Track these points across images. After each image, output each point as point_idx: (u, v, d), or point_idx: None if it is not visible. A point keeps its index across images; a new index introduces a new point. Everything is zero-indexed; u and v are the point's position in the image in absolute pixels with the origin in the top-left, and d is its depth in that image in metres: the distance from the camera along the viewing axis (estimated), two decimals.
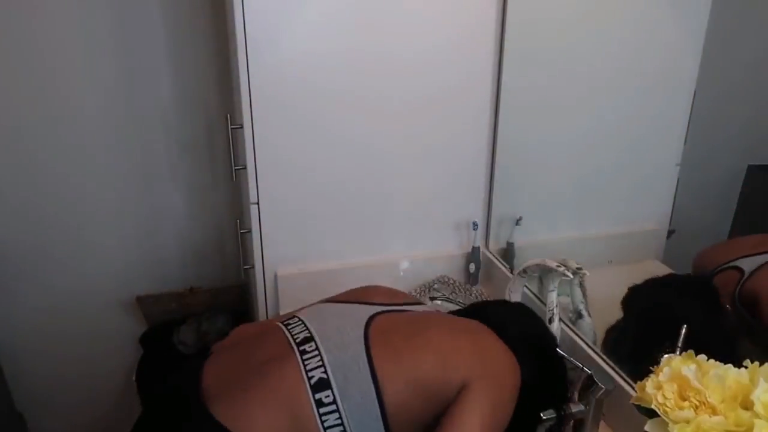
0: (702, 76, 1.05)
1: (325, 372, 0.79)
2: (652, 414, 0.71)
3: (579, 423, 0.96)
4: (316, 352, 0.82)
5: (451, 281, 1.45)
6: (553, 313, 1.11)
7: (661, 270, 1.17)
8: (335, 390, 0.78)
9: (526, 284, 1.26)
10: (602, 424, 0.97)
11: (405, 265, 1.44)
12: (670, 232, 1.15)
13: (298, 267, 1.36)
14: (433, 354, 0.82)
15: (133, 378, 1.70)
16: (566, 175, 1.35)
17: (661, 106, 1.19)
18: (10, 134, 1.51)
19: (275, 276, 1.34)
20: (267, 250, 1.33)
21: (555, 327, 1.11)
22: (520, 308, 1.04)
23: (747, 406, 0.66)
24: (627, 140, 1.24)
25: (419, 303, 1.00)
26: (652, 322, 0.98)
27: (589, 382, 0.92)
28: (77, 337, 1.74)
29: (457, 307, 1.22)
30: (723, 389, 0.67)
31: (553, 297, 1.11)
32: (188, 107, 1.61)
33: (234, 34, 1.17)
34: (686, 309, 0.93)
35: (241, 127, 1.23)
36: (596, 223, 1.34)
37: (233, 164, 1.28)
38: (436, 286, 1.42)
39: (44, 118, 1.52)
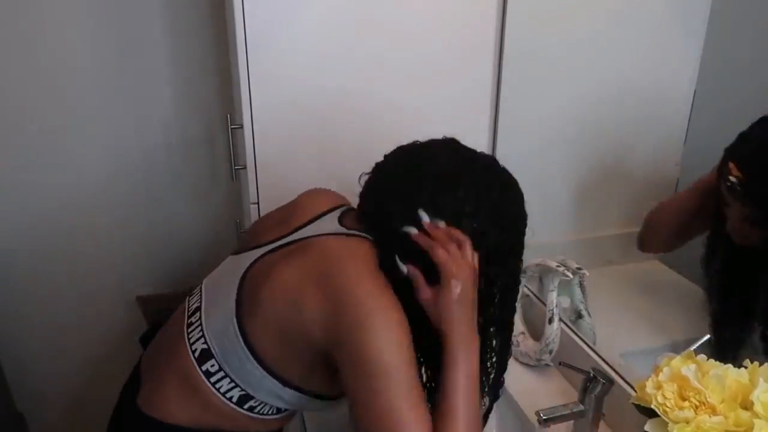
0: (702, 76, 1.05)
1: (206, 342, 0.80)
2: (652, 414, 0.71)
3: (579, 423, 0.96)
4: (199, 323, 0.83)
5: None
6: (553, 313, 1.11)
7: (662, 270, 1.17)
8: (218, 357, 0.79)
9: (526, 284, 1.26)
10: (602, 424, 0.97)
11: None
12: None
13: None
14: (282, 301, 0.75)
15: None
16: (566, 174, 1.35)
17: (661, 106, 1.19)
18: (10, 134, 1.51)
19: None
20: None
21: (555, 327, 1.11)
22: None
23: (747, 406, 0.66)
24: (627, 140, 1.24)
25: (324, 213, 0.88)
26: None
27: (589, 383, 0.92)
28: (77, 336, 1.74)
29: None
30: (723, 389, 0.67)
31: (553, 297, 1.11)
32: (188, 107, 1.61)
33: (234, 34, 1.17)
34: None
35: (241, 127, 1.23)
36: (596, 223, 1.34)
37: (233, 164, 1.28)
38: None
39: (44, 117, 1.52)
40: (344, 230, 0.83)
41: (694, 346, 0.78)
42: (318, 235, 0.82)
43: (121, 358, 1.80)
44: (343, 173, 1.32)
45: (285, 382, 0.79)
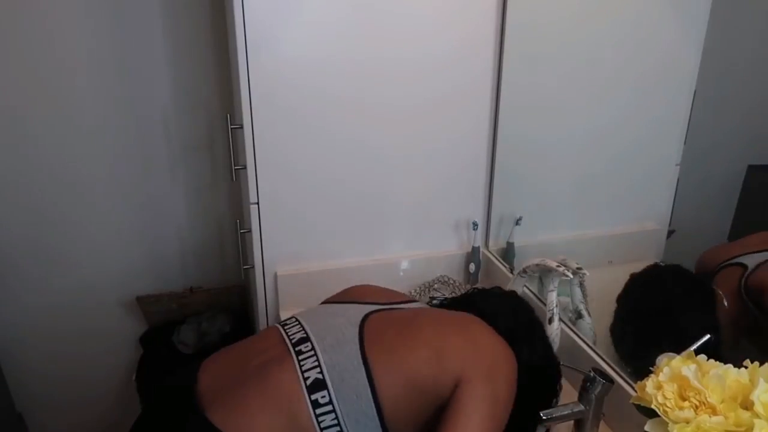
0: (702, 75, 1.05)
1: (321, 372, 0.79)
2: (652, 414, 0.71)
3: (579, 423, 0.96)
4: (312, 353, 0.82)
5: (451, 281, 1.45)
6: (553, 313, 1.11)
7: None
8: (331, 390, 0.78)
9: (526, 284, 1.25)
10: (602, 424, 0.97)
11: (405, 265, 1.44)
12: (670, 232, 1.14)
13: (298, 267, 1.36)
14: (426, 350, 0.82)
15: (133, 378, 1.70)
16: (566, 174, 1.35)
17: (661, 105, 1.19)
18: (10, 134, 1.51)
19: (275, 276, 1.34)
20: (267, 250, 1.33)
21: (555, 327, 1.11)
22: (507, 295, 1.03)
23: (747, 406, 0.66)
24: (627, 140, 1.24)
25: (412, 300, 1.00)
26: (645, 315, 0.99)
27: (589, 383, 0.92)
28: (77, 337, 1.74)
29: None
30: (723, 389, 0.67)
31: (553, 297, 1.11)
32: (188, 107, 1.62)
33: (234, 34, 1.17)
34: (681, 303, 0.94)
35: (241, 127, 1.23)
36: (596, 223, 1.34)
37: (233, 164, 1.28)
38: (436, 286, 1.42)
39: (45, 118, 1.52)
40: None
41: (694, 346, 0.78)
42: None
43: (121, 358, 1.81)
44: (344, 173, 1.33)
45: (385, 429, 0.79)
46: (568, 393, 1.11)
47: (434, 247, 1.46)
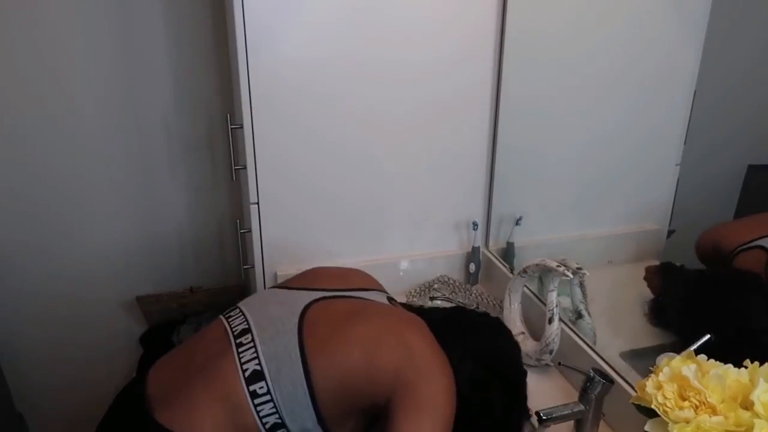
0: (702, 76, 1.05)
1: (259, 364, 0.82)
2: (652, 414, 0.71)
3: (579, 423, 0.96)
4: (252, 344, 0.84)
5: (451, 281, 1.45)
6: (553, 313, 1.11)
7: None
8: (269, 381, 0.80)
9: (526, 284, 1.26)
10: (602, 424, 0.97)
11: (405, 265, 1.44)
12: (670, 232, 1.14)
13: (298, 267, 1.35)
14: (358, 347, 0.82)
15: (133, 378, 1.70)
16: (566, 174, 1.35)
17: (661, 106, 1.19)
18: (10, 134, 1.51)
19: (275, 276, 1.35)
20: (267, 250, 1.33)
21: (555, 327, 1.11)
22: (494, 325, 0.99)
23: (747, 406, 0.66)
24: (627, 140, 1.24)
25: (371, 289, 0.99)
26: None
27: (589, 383, 0.92)
28: (77, 337, 1.74)
29: (452, 305, 1.21)
30: (723, 389, 0.67)
31: (553, 297, 1.11)
32: (188, 107, 1.61)
33: (234, 34, 1.17)
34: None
35: (241, 127, 1.23)
36: (596, 223, 1.34)
37: (233, 164, 1.28)
38: (436, 286, 1.42)
39: (45, 117, 1.52)
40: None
41: (694, 346, 0.78)
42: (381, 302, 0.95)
43: (121, 358, 1.81)
44: (344, 173, 1.33)
45: (320, 418, 0.81)
46: (569, 393, 1.11)
47: (434, 247, 1.46)
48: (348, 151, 1.31)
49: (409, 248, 1.44)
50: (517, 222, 1.41)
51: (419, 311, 0.96)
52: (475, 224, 1.45)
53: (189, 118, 1.63)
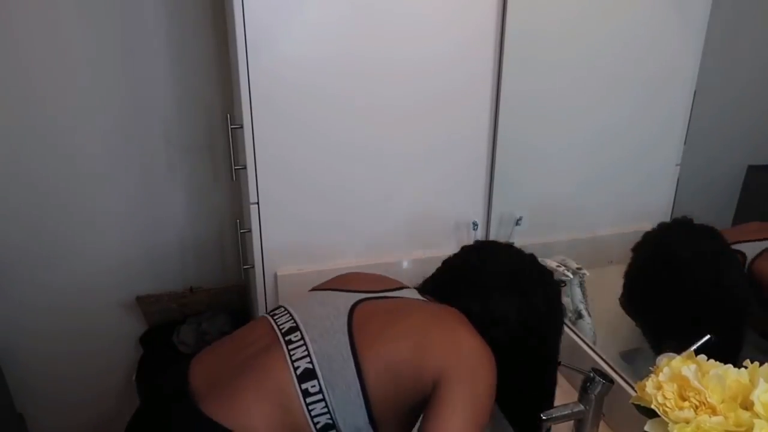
0: (702, 76, 1.05)
1: (311, 362, 0.80)
2: (652, 414, 0.71)
3: (579, 423, 0.96)
4: (302, 342, 0.83)
5: None
6: None
7: None
8: (321, 380, 0.79)
9: None
10: (602, 424, 0.97)
11: (405, 265, 1.44)
12: None
13: (298, 267, 1.36)
14: (407, 341, 0.82)
15: (133, 378, 1.70)
16: (566, 174, 1.35)
17: (661, 106, 1.19)
18: (9, 134, 1.51)
19: (275, 276, 1.34)
20: (267, 250, 1.33)
21: None
22: (501, 274, 0.99)
23: (747, 406, 0.66)
24: (627, 140, 1.24)
25: (402, 287, 0.99)
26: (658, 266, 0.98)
27: (589, 383, 0.92)
28: (77, 337, 1.74)
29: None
30: (723, 389, 0.67)
31: None
32: (188, 107, 1.62)
33: (234, 34, 1.17)
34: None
35: (241, 127, 1.23)
36: (596, 223, 1.34)
37: (233, 164, 1.28)
38: None
39: (44, 118, 1.52)
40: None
41: (694, 346, 0.78)
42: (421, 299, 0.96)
43: (121, 358, 1.81)
44: (344, 173, 1.33)
45: (371, 418, 0.80)
46: (569, 393, 1.11)
47: (434, 247, 1.46)
48: (348, 151, 1.31)
49: (409, 248, 1.44)
50: (517, 222, 1.41)
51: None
52: (475, 224, 1.45)
53: (189, 118, 1.63)
